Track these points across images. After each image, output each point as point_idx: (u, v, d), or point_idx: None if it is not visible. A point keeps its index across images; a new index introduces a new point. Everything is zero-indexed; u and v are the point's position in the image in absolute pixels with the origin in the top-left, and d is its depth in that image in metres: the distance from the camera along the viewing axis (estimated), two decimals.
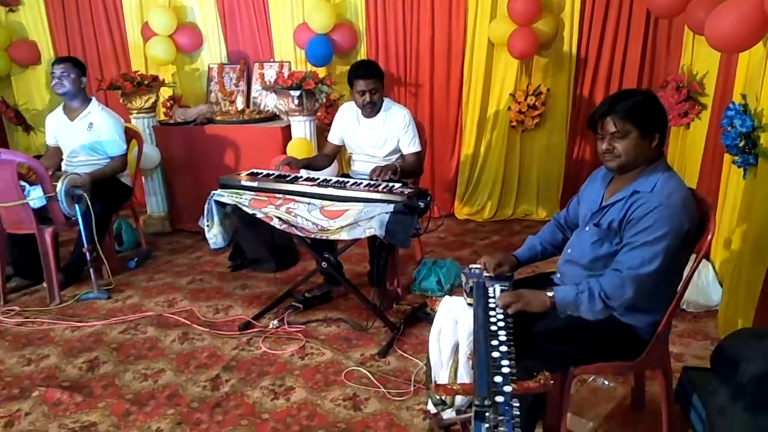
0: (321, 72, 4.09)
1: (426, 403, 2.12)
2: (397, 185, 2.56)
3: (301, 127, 3.78)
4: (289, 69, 4.31)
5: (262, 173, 2.80)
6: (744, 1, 2.22)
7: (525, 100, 4.05)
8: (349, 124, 3.09)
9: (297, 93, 3.62)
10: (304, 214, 2.48)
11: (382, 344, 2.60)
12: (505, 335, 1.45)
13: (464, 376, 1.81)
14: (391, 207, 2.36)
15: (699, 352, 2.46)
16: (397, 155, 3.06)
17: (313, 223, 2.46)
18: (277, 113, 4.24)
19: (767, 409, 1.66)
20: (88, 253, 3.10)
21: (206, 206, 2.68)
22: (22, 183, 2.98)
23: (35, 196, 2.98)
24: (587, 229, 1.77)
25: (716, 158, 2.93)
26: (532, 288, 1.71)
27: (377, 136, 3.02)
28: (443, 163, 4.47)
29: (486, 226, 4.30)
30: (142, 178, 4.22)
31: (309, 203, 2.51)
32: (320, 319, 2.88)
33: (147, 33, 4.47)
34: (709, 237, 1.63)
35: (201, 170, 4.03)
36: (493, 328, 1.50)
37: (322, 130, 3.99)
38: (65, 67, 3.21)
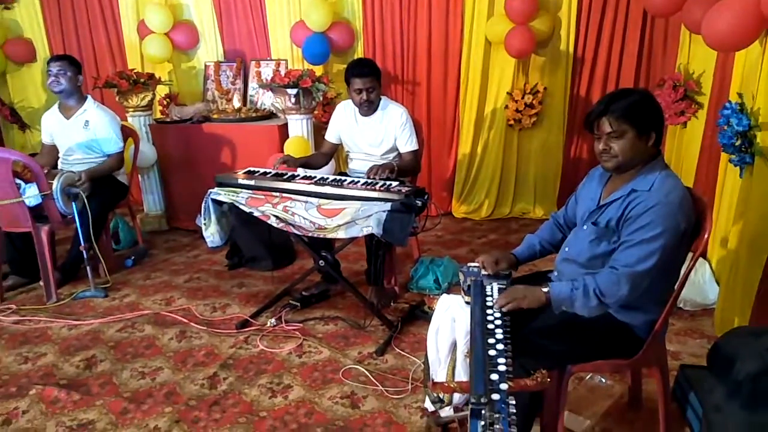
0: (318, 70, 4.09)
1: (423, 401, 2.13)
2: (395, 184, 2.56)
3: (298, 126, 3.77)
4: (286, 67, 4.30)
5: (259, 171, 2.80)
6: (740, 0, 2.22)
7: (522, 98, 4.05)
8: (346, 123, 3.09)
9: (294, 91, 3.61)
10: (302, 213, 2.48)
11: (379, 342, 2.60)
12: (502, 333, 1.46)
13: (462, 374, 1.82)
14: (388, 205, 2.36)
15: (696, 351, 2.47)
16: (395, 154, 3.06)
17: (311, 222, 2.46)
18: (274, 111, 4.24)
19: (763, 406, 1.67)
20: (84, 252, 3.09)
21: (203, 205, 2.67)
22: (18, 181, 2.97)
23: (31, 194, 2.97)
24: (585, 227, 1.77)
25: (713, 157, 2.94)
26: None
27: (374, 134, 3.02)
28: (440, 161, 4.47)
29: (483, 224, 4.31)
30: (139, 176, 4.21)
31: (306, 202, 2.51)
32: (318, 317, 2.88)
33: (143, 31, 4.46)
34: (706, 235, 1.63)
35: (198, 168, 4.02)
36: (491, 326, 1.50)
37: (319, 129, 3.98)
38: (62, 65, 3.20)
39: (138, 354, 2.60)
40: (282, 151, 3.71)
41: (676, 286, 1.71)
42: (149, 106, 4.17)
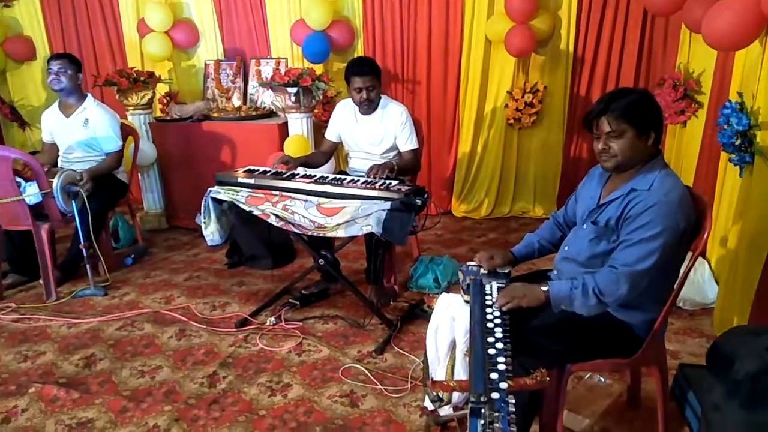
0: (318, 69, 4.08)
1: (423, 400, 2.13)
2: (394, 182, 2.56)
3: (298, 124, 3.77)
4: (286, 66, 4.30)
5: (258, 170, 2.79)
6: None
7: (522, 97, 4.05)
8: (346, 122, 3.09)
9: (294, 90, 3.61)
10: (301, 212, 2.48)
11: (379, 341, 2.60)
12: (502, 332, 1.46)
13: (461, 373, 1.82)
14: (388, 204, 2.36)
15: (695, 350, 2.48)
16: (395, 152, 3.06)
17: (310, 221, 2.46)
18: (274, 110, 4.24)
19: (762, 406, 1.67)
20: (84, 250, 3.09)
21: (203, 203, 2.68)
22: (18, 179, 2.97)
23: (31, 193, 2.97)
24: (584, 226, 1.77)
25: (712, 156, 2.94)
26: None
27: (374, 133, 3.01)
28: (440, 160, 4.47)
29: (483, 223, 4.31)
30: (139, 174, 4.20)
31: (306, 200, 2.51)
32: (317, 316, 2.88)
33: (143, 29, 4.46)
34: (706, 235, 1.63)
35: (198, 167, 4.02)
36: (490, 325, 1.50)
37: (319, 127, 3.98)
38: (62, 64, 3.20)
39: (137, 352, 2.60)
40: (282, 150, 3.71)
41: (675, 286, 1.71)
42: (149, 105, 4.17)
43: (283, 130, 3.87)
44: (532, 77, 4.09)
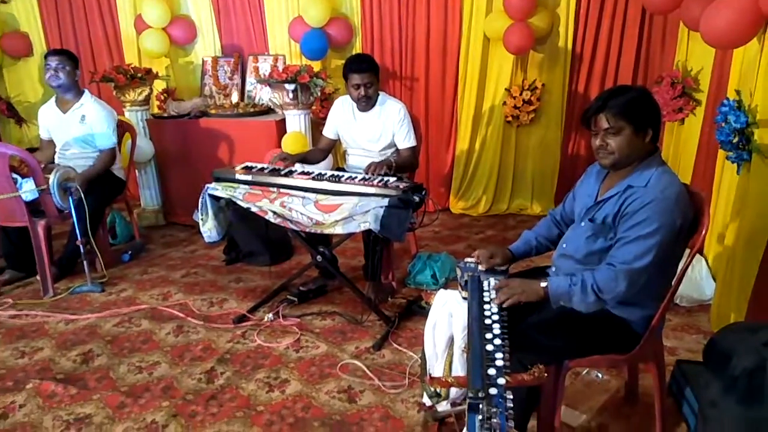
0: (316, 66, 4.08)
1: (421, 396, 2.13)
2: (392, 179, 2.56)
3: (296, 121, 3.77)
4: (284, 62, 4.30)
5: (256, 167, 2.79)
6: None
7: (520, 95, 4.05)
8: (344, 118, 3.09)
9: (292, 87, 3.60)
10: (299, 208, 2.47)
11: (376, 337, 2.61)
12: (500, 328, 1.46)
13: (458, 369, 1.83)
14: (386, 201, 2.37)
15: (692, 346, 2.48)
16: (393, 150, 3.06)
17: (308, 217, 2.46)
18: (272, 107, 4.23)
19: (759, 401, 1.68)
20: (81, 246, 3.09)
21: (200, 200, 2.67)
22: (14, 175, 2.96)
23: (27, 189, 2.97)
24: (582, 224, 1.78)
25: (710, 154, 2.94)
26: None
27: (372, 130, 3.01)
28: (438, 157, 4.47)
29: (481, 220, 4.31)
30: (136, 171, 4.19)
31: (304, 197, 2.51)
32: (315, 312, 2.88)
33: (140, 25, 4.44)
34: (703, 232, 1.64)
35: (195, 164, 4.01)
36: (488, 321, 1.51)
37: (317, 124, 3.98)
38: (61, 60, 3.19)
39: (135, 348, 2.60)
40: (280, 147, 3.70)
41: (673, 282, 1.71)
42: (146, 101, 4.16)
43: (281, 127, 3.87)
44: (531, 75, 4.09)
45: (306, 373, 2.38)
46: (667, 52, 3.71)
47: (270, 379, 2.34)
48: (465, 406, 1.21)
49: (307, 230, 2.52)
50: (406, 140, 3.00)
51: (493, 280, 1.75)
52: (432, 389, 1.94)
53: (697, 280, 2.81)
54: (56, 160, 3.37)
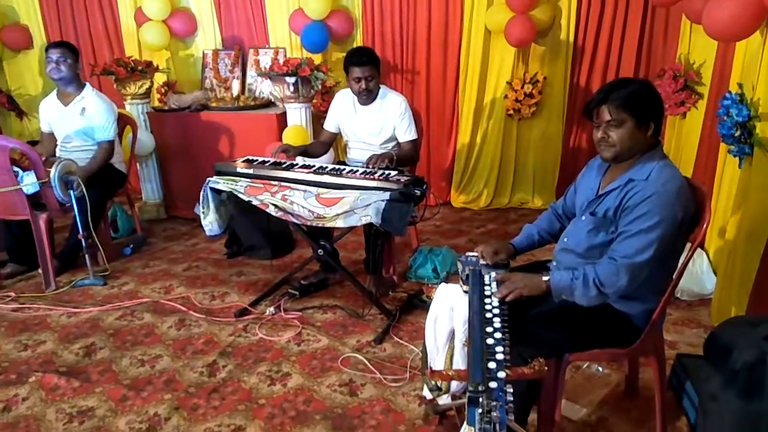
0: (317, 59, 4.06)
1: (422, 389, 2.14)
2: (394, 173, 2.56)
3: (297, 114, 3.76)
4: (285, 55, 4.28)
5: (257, 160, 2.79)
6: None
7: (522, 88, 4.04)
8: (345, 112, 3.08)
9: (292, 80, 3.59)
10: (300, 202, 2.47)
11: (378, 331, 2.61)
12: (500, 322, 1.46)
13: (459, 363, 1.83)
14: (387, 195, 2.36)
15: (692, 340, 2.49)
16: (394, 143, 3.06)
17: (309, 211, 2.46)
18: (273, 100, 4.22)
19: (759, 395, 1.68)
20: (83, 240, 3.09)
21: (202, 193, 2.67)
22: (15, 168, 2.96)
23: (28, 182, 2.97)
24: (583, 218, 1.78)
25: (712, 147, 2.93)
26: None
27: (373, 123, 3.01)
28: (440, 151, 4.46)
29: (482, 214, 4.31)
30: (137, 164, 4.19)
31: (305, 190, 2.50)
32: (316, 306, 2.89)
33: (140, 18, 4.42)
34: (704, 226, 1.64)
35: (196, 157, 4.01)
36: (489, 315, 1.51)
37: (317, 117, 3.97)
38: (62, 52, 3.18)
39: (137, 342, 2.61)
40: (280, 140, 3.70)
41: (674, 276, 1.71)
42: (147, 94, 4.16)
43: (282, 120, 3.86)
44: (532, 68, 4.08)
45: (307, 366, 2.39)
46: (670, 45, 3.70)
47: (272, 372, 2.35)
48: (465, 400, 1.21)
49: (309, 224, 2.52)
50: (407, 134, 2.99)
51: (494, 274, 1.75)
52: (433, 382, 1.95)
53: (698, 274, 2.81)
54: (57, 153, 3.37)
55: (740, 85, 2.41)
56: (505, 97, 4.11)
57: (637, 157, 1.67)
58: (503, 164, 4.34)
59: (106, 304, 2.95)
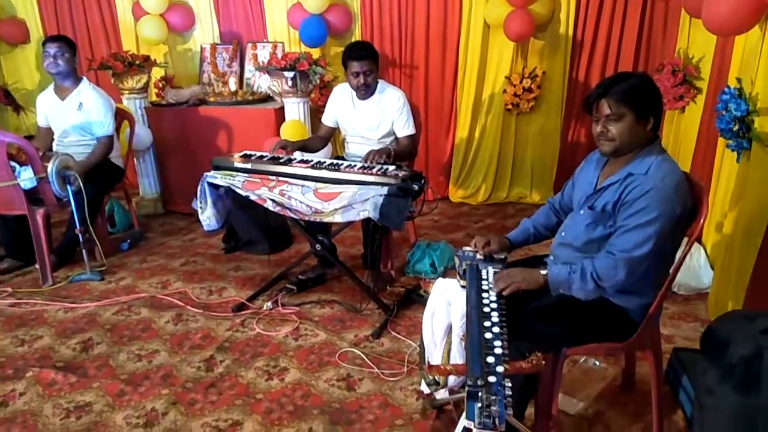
0: (315, 53, 4.04)
1: (419, 384, 2.14)
2: (392, 168, 2.55)
3: (295, 109, 3.75)
4: (283, 50, 4.27)
5: (255, 155, 2.78)
6: None
7: (520, 83, 4.03)
8: (343, 106, 3.07)
9: (291, 74, 3.58)
10: (298, 197, 2.47)
11: (375, 326, 2.61)
12: (498, 317, 1.46)
13: (457, 357, 1.83)
14: (385, 190, 2.36)
15: (689, 334, 2.49)
16: (392, 138, 3.05)
17: (307, 206, 2.45)
18: (271, 94, 4.21)
19: (755, 389, 1.68)
20: (80, 235, 3.08)
21: (199, 188, 2.66)
22: (12, 163, 2.95)
23: (26, 177, 2.96)
24: (581, 212, 1.77)
25: (710, 142, 2.93)
26: None
27: (372, 118, 3.00)
28: (438, 145, 4.45)
29: (480, 209, 4.31)
30: (134, 159, 4.18)
31: (303, 185, 2.50)
32: (314, 300, 2.89)
33: (138, 12, 4.40)
34: (702, 220, 1.64)
35: (194, 152, 4.00)
36: (486, 309, 1.51)
37: (316, 112, 3.96)
38: (59, 46, 3.16)
39: (134, 337, 2.60)
40: (278, 135, 3.69)
41: (671, 271, 1.71)
42: (145, 89, 4.14)
43: (280, 115, 3.85)
44: (531, 62, 4.07)
45: (305, 361, 2.39)
46: (669, 39, 3.69)
47: (269, 367, 2.35)
48: (463, 394, 1.21)
49: (306, 219, 2.52)
50: (405, 128, 2.98)
51: (491, 269, 1.75)
52: (430, 377, 1.95)
53: (695, 268, 2.81)
54: (54, 148, 3.36)
55: (739, 80, 2.40)
56: (504, 91, 4.11)
57: (636, 152, 1.67)
58: (501, 159, 4.34)
59: (103, 299, 2.94)
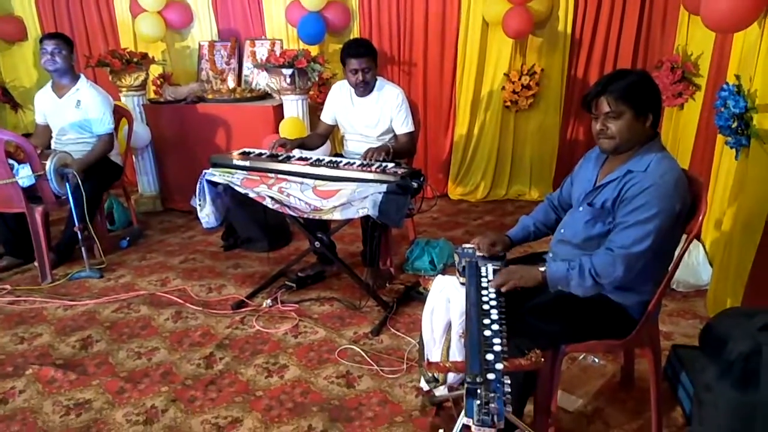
0: (313, 50, 4.04)
1: (418, 381, 2.14)
2: (391, 165, 2.55)
3: (294, 106, 3.75)
4: (281, 47, 4.26)
5: (254, 152, 2.78)
6: None
7: (519, 80, 4.03)
8: (342, 104, 3.07)
9: (289, 71, 3.58)
10: (297, 194, 2.47)
11: (375, 323, 2.62)
12: (497, 314, 1.47)
13: (456, 354, 1.84)
14: (384, 187, 2.36)
15: (688, 331, 2.50)
16: (391, 135, 3.05)
17: (306, 203, 2.45)
18: (269, 92, 4.20)
19: (754, 386, 1.69)
20: (79, 233, 3.08)
21: (198, 185, 2.66)
22: (11, 161, 2.95)
23: (24, 175, 2.95)
24: (581, 209, 1.78)
25: (709, 139, 2.94)
26: None
27: (370, 115, 3.00)
28: (437, 143, 4.45)
29: (479, 206, 4.31)
30: (133, 157, 4.18)
31: (302, 183, 2.50)
32: (313, 298, 2.89)
33: (135, 9, 4.39)
34: (701, 217, 1.64)
35: (192, 149, 4.00)
36: (485, 306, 1.51)
37: (314, 109, 3.96)
38: (57, 43, 3.16)
39: (134, 334, 2.60)
40: (277, 132, 3.69)
41: (670, 268, 1.71)
42: (143, 86, 4.14)
43: (278, 112, 3.85)
44: (530, 59, 4.06)
45: (304, 358, 2.39)
46: (667, 36, 3.69)
47: (269, 364, 2.35)
48: (462, 391, 1.21)
49: (306, 216, 2.52)
50: (403, 126, 2.98)
51: (490, 266, 1.76)
52: (430, 374, 1.95)
53: (694, 265, 2.82)
54: (52, 146, 3.35)
55: (737, 77, 2.41)
56: (503, 88, 4.10)
57: (636, 149, 1.67)
58: (500, 156, 4.33)
59: (102, 297, 2.94)
